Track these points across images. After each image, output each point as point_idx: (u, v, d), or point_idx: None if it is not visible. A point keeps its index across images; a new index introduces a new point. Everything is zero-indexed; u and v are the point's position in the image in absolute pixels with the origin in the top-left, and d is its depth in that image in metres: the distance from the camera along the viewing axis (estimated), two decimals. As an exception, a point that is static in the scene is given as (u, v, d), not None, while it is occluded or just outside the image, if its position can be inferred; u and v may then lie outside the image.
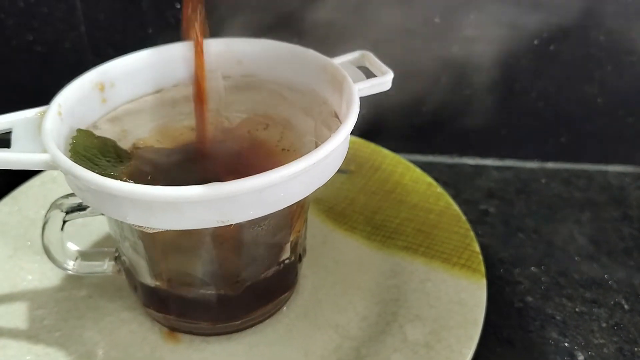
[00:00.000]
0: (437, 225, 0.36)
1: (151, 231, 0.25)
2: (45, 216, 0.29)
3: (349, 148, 0.27)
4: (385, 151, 0.42)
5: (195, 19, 0.28)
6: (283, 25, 0.40)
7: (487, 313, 0.30)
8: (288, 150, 0.29)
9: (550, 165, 0.45)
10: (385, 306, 0.31)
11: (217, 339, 0.30)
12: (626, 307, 0.33)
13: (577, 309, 0.33)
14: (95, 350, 0.30)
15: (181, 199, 0.22)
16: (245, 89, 0.32)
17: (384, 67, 0.29)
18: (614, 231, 0.39)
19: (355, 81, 0.28)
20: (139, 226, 0.25)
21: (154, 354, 0.30)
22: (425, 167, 0.40)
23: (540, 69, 0.42)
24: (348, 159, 0.28)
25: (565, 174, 0.44)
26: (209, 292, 0.29)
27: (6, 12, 0.42)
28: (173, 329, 0.31)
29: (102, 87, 0.30)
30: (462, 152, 0.46)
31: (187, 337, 0.30)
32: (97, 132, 0.29)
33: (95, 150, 0.27)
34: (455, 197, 0.39)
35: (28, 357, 0.29)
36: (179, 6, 0.42)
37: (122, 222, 0.25)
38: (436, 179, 0.39)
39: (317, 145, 0.24)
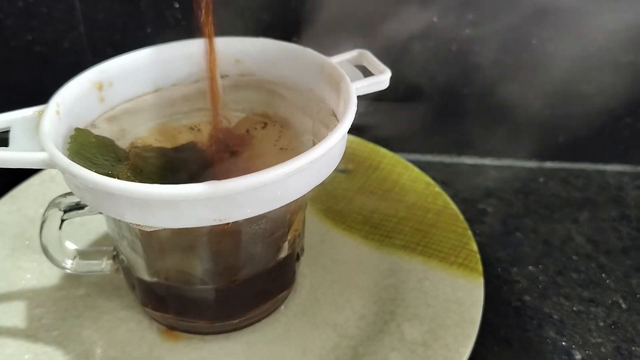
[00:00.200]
0: (435, 224, 0.36)
1: (149, 229, 0.25)
2: (44, 215, 0.29)
3: (347, 147, 0.27)
4: (383, 150, 0.42)
5: (207, 17, 0.28)
6: (281, 24, 0.40)
7: (484, 312, 0.30)
8: (286, 149, 0.29)
9: (548, 164, 0.45)
10: (383, 305, 0.32)
11: (215, 338, 0.30)
12: (624, 306, 0.34)
13: (574, 308, 0.33)
14: (94, 349, 0.30)
15: (179, 198, 0.22)
16: (244, 88, 0.32)
17: (382, 66, 0.29)
18: (611, 231, 0.39)
19: (353, 80, 0.28)
20: (137, 225, 0.24)
21: (151, 353, 0.30)
22: (424, 167, 0.40)
23: (538, 68, 0.42)
24: (346, 158, 0.28)
25: (563, 174, 0.44)
26: (207, 290, 0.29)
27: (5, 12, 0.42)
28: (171, 328, 0.31)
29: (100, 86, 0.30)
30: (461, 152, 0.46)
31: (185, 335, 0.30)
32: (96, 131, 0.29)
33: (93, 149, 0.27)
34: (453, 196, 0.39)
35: (26, 356, 0.29)
36: (177, 6, 0.42)
37: (120, 220, 0.25)
38: (434, 179, 0.39)
39: (315, 144, 0.24)
